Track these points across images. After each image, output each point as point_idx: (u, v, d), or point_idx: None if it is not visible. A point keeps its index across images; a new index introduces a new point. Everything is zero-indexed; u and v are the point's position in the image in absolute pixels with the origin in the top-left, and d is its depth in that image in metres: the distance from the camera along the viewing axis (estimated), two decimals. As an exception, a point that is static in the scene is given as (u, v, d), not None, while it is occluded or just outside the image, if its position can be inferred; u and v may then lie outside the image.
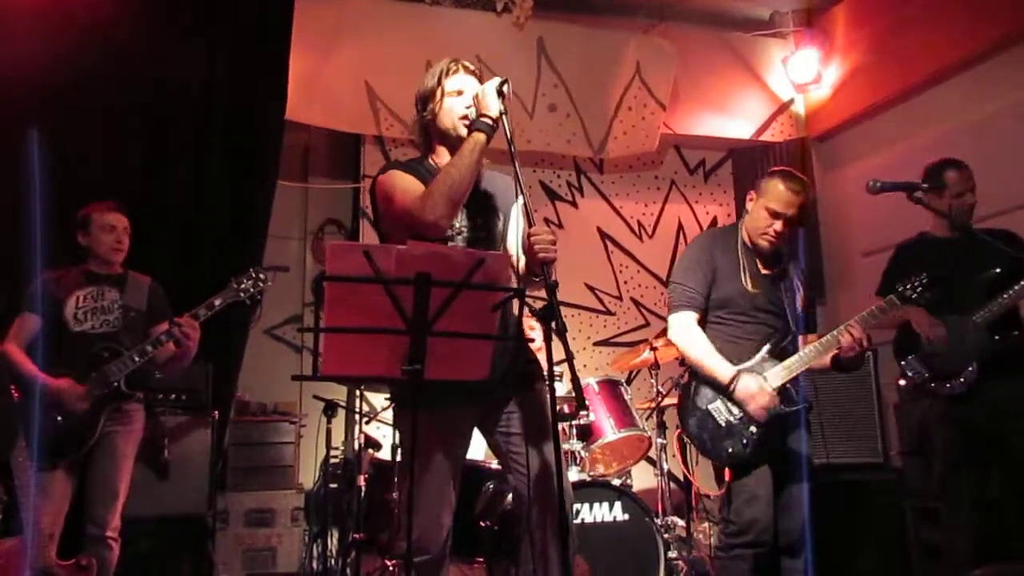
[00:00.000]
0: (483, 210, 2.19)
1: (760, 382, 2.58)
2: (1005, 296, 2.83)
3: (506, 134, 2.03)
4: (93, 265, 3.07)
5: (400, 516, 2.01)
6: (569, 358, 1.82)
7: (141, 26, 4.06)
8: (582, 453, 3.54)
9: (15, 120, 3.60)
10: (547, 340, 1.84)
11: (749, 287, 2.65)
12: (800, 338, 2.72)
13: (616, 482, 3.42)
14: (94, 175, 3.83)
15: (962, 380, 2.84)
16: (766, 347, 2.64)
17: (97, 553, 2.82)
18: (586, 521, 3.12)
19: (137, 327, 3.04)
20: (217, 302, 2.99)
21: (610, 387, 3.71)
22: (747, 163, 5.48)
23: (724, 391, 2.61)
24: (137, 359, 2.91)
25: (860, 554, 3.61)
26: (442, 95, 2.18)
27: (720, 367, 2.61)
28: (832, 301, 5.19)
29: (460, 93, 2.19)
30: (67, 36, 3.90)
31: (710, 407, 2.64)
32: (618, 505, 3.19)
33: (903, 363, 2.99)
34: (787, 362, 2.62)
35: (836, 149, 5.39)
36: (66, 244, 3.13)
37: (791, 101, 5.48)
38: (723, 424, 2.61)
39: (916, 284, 2.63)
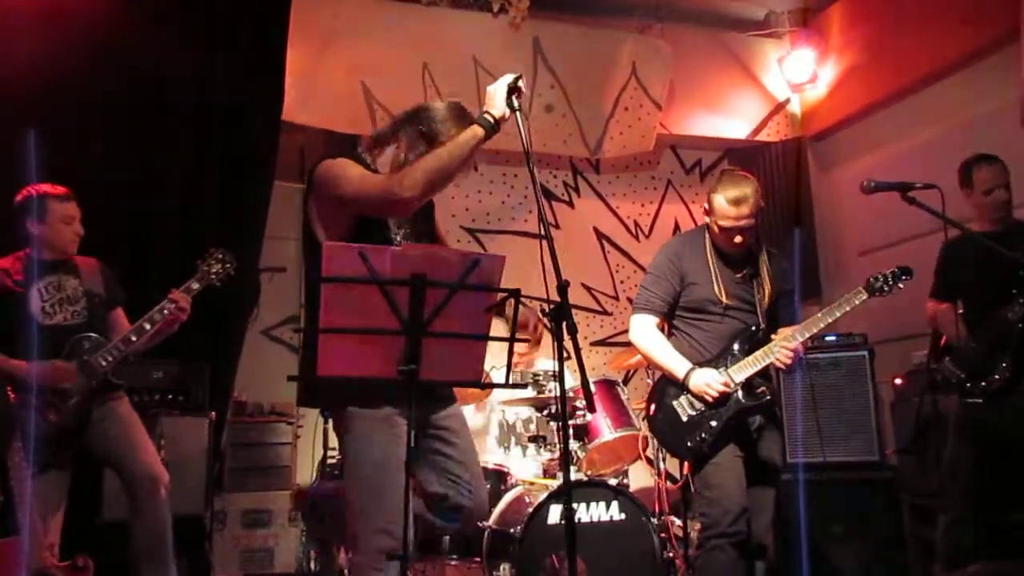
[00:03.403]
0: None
1: (716, 374, 2.64)
2: None
3: (520, 133, 1.98)
4: (45, 252, 2.95)
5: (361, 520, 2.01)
6: (579, 358, 1.83)
7: (137, 28, 4.05)
8: (579, 453, 3.55)
9: (11, 120, 3.60)
10: (558, 340, 1.85)
11: (719, 291, 2.72)
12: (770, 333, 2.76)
13: (613, 482, 3.42)
14: (90, 175, 3.82)
15: (996, 377, 2.82)
16: (735, 344, 2.71)
17: (153, 509, 2.83)
18: (583, 520, 3.13)
19: (102, 312, 3.00)
20: (195, 286, 2.97)
21: (607, 387, 3.72)
22: (743, 163, 5.49)
23: (683, 387, 2.69)
24: (123, 348, 2.87)
25: (856, 552, 3.61)
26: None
27: (675, 364, 2.71)
28: (829, 300, 5.20)
29: None
30: (63, 36, 3.89)
31: (674, 403, 2.72)
32: (615, 504, 3.20)
33: (937, 367, 2.97)
34: (751, 356, 2.67)
35: (832, 149, 5.40)
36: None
37: (787, 101, 5.50)
38: (684, 419, 2.69)
39: (888, 276, 2.68)
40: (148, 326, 2.89)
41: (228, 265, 3.04)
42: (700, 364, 2.71)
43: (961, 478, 2.92)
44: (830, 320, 2.70)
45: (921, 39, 4.53)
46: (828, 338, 3.97)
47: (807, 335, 2.68)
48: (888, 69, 4.77)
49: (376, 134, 2.21)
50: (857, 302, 2.70)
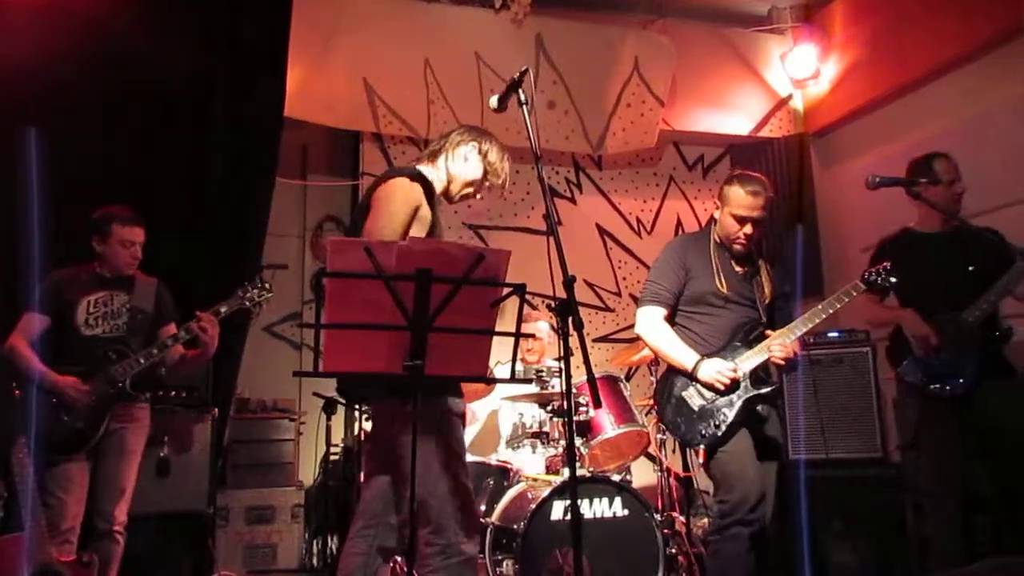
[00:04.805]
0: None
1: (725, 362, 2.68)
2: (992, 293, 2.81)
3: (527, 130, 1.98)
4: (105, 269, 3.08)
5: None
6: (585, 353, 1.83)
7: (139, 23, 4.04)
8: (582, 449, 3.55)
9: (13, 117, 3.59)
10: (564, 335, 1.85)
11: (722, 286, 2.78)
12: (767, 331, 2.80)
13: (616, 478, 3.42)
14: (92, 172, 3.82)
15: (961, 381, 2.83)
16: (737, 337, 2.76)
17: (104, 547, 2.84)
18: (586, 517, 3.13)
19: (144, 328, 3.06)
20: (223, 309, 3.03)
21: (609, 383, 3.71)
22: (746, 159, 5.48)
23: (692, 377, 2.72)
24: (143, 361, 2.94)
25: (858, 548, 3.61)
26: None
27: (683, 355, 2.75)
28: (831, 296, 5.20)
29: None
30: (65, 32, 3.88)
31: (683, 394, 2.75)
32: (618, 501, 3.19)
33: (899, 369, 2.98)
34: (754, 349, 2.72)
35: (834, 145, 5.39)
36: (67, 242, 3.14)
37: (789, 97, 5.49)
38: (696, 409, 2.72)
39: (881, 270, 2.74)
40: (170, 342, 2.97)
41: (266, 293, 3.10)
42: (706, 355, 2.73)
43: (948, 478, 2.91)
44: (830, 311, 2.73)
45: (924, 35, 4.51)
46: (831, 334, 3.97)
47: (806, 329, 2.72)
48: (891, 65, 4.76)
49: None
50: (855, 294, 2.76)
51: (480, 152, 2.35)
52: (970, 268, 2.88)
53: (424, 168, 2.33)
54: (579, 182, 5.40)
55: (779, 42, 5.47)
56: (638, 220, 5.46)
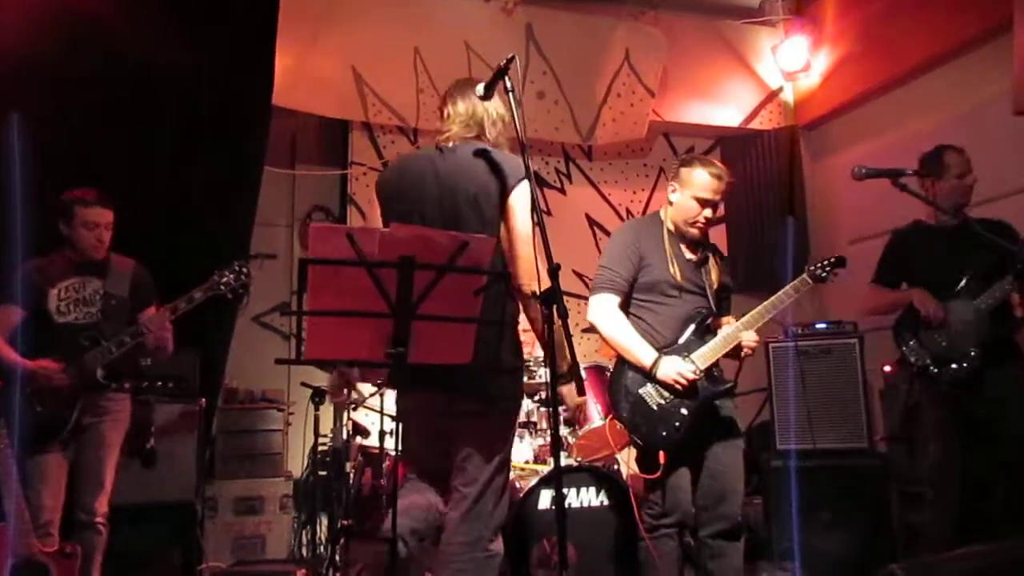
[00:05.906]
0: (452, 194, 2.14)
1: (684, 362, 2.64)
2: (1005, 284, 2.84)
3: (515, 120, 1.99)
4: (74, 254, 3.02)
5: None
6: (570, 343, 1.82)
7: (126, 11, 4.00)
8: (569, 439, 3.55)
9: (-3, 105, 3.56)
10: (548, 324, 1.84)
11: (676, 273, 2.72)
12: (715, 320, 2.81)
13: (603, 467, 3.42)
14: (78, 162, 3.78)
15: (964, 365, 2.86)
16: (691, 327, 2.70)
17: (87, 538, 2.83)
18: (573, 506, 3.13)
19: (119, 314, 3.01)
20: (197, 295, 2.96)
21: (597, 373, 3.71)
22: (736, 151, 5.49)
23: (648, 375, 2.66)
24: (115, 350, 2.89)
25: (844, 537, 3.64)
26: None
27: (642, 351, 2.67)
28: (819, 288, 5.21)
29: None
30: (50, 19, 3.84)
31: (640, 391, 2.68)
32: (604, 490, 3.20)
33: (904, 347, 3.00)
34: (710, 344, 2.68)
35: (825, 137, 5.40)
36: (49, 231, 3.11)
37: (780, 89, 5.49)
38: (655, 408, 2.66)
39: (826, 264, 2.77)
40: (127, 340, 2.92)
41: (244, 276, 3.03)
42: (660, 350, 2.67)
43: (946, 464, 2.94)
44: (780, 307, 2.73)
45: (914, 28, 4.52)
46: (819, 325, 3.98)
47: (760, 323, 2.72)
48: (882, 58, 4.76)
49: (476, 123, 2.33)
50: (804, 289, 2.77)
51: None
52: (978, 259, 2.90)
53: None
54: (569, 172, 5.39)
55: (770, 34, 5.47)
56: (628, 211, 5.46)
